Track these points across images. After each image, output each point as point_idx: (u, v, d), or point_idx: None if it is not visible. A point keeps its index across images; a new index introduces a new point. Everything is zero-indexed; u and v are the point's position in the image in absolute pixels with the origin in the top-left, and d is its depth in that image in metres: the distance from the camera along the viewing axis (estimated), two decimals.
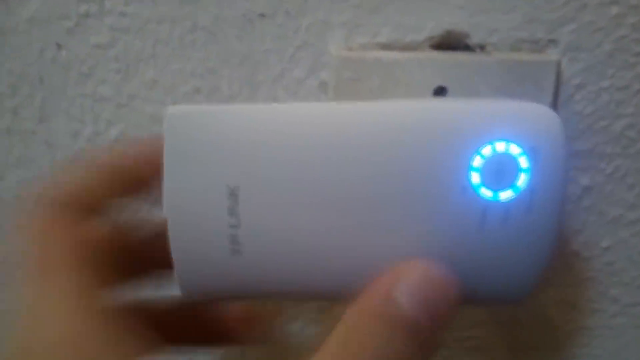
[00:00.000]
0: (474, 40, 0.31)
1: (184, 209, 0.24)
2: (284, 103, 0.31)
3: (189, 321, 0.30)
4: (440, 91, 0.31)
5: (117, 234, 0.27)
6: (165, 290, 0.28)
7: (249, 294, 0.26)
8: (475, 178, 0.23)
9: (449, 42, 0.31)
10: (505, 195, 0.24)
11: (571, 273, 0.36)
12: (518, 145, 0.23)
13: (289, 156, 0.24)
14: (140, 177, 0.26)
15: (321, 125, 0.24)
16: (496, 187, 0.24)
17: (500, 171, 0.23)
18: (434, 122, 0.24)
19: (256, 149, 0.24)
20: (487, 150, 0.23)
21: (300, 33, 0.31)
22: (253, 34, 0.31)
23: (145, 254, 0.28)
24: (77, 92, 0.33)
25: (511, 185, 0.23)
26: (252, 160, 0.24)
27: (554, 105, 0.32)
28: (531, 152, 0.23)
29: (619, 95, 0.32)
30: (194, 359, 0.38)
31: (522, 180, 0.23)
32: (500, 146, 0.23)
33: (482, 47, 0.31)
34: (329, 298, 0.26)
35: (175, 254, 0.25)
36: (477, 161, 0.23)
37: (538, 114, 0.24)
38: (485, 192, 0.24)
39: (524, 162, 0.23)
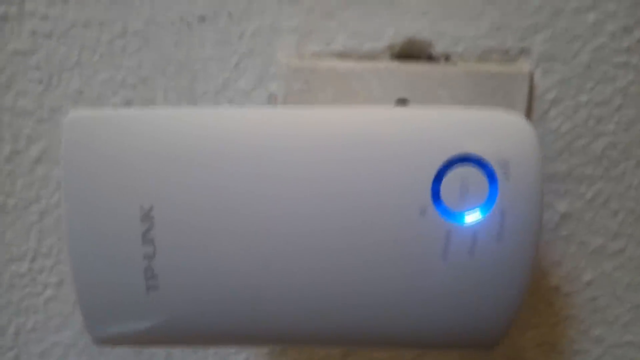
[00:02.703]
0: (438, 49, 0.28)
1: (88, 237, 0.20)
2: (208, 107, 0.27)
3: None
4: (401, 105, 0.28)
5: None
6: None
7: (170, 339, 0.22)
8: (436, 198, 0.20)
9: (411, 51, 0.28)
10: (472, 217, 0.20)
11: (551, 311, 0.32)
12: (485, 159, 0.20)
13: (215, 170, 0.20)
14: None
15: (255, 133, 0.20)
16: (461, 208, 0.20)
17: (465, 190, 0.20)
18: (390, 135, 0.20)
19: (175, 161, 0.20)
20: (450, 166, 0.20)
21: (245, 39, 0.28)
22: (191, 39, 0.28)
23: None
24: None
25: (478, 205, 0.20)
26: (169, 175, 0.20)
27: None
28: (500, 167, 0.20)
29: (599, 111, 0.29)
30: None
31: (490, 200, 0.20)
32: (466, 161, 0.20)
33: (447, 57, 0.28)
34: (263, 342, 0.22)
35: (80, 292, 0.21)
36: (439, 178, 0.20)
37: (508, 123, 0.20)
38: (449, 214, 0.20)
39: (492, 179, 0.20)
